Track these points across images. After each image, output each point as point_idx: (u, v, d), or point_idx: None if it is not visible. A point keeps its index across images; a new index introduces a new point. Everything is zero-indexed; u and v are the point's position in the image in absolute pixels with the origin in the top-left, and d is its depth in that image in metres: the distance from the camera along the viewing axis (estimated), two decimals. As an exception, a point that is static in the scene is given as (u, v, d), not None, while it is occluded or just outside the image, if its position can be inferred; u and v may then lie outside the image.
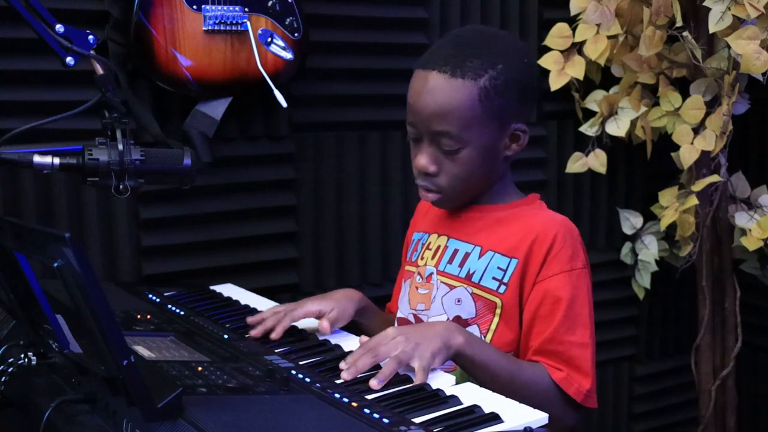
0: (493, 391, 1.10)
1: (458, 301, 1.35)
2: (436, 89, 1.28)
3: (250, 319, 1.35)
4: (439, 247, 1.41)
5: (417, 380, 1.08)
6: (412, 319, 1.41)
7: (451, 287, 1.36)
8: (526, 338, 1.30)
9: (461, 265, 1.36)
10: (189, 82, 1.64)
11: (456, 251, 1.38)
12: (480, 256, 1.35)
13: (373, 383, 1.06)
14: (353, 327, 1.42)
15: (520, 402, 1.03)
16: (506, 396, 1.04)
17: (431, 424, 0.95)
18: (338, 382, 1.09)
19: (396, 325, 1.44)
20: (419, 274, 1.42)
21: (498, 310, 1.32)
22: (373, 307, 1.48)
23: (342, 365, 1.12)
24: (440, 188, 1.34)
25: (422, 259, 1.43)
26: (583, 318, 1.29)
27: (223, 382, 1.04)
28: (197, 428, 0.88)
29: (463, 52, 1.29)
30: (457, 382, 1.12)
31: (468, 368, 1.21)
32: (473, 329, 1.33)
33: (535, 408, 1.02)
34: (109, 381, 0.91)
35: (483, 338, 1.32)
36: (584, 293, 1.31)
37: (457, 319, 1.34)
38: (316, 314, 1.35)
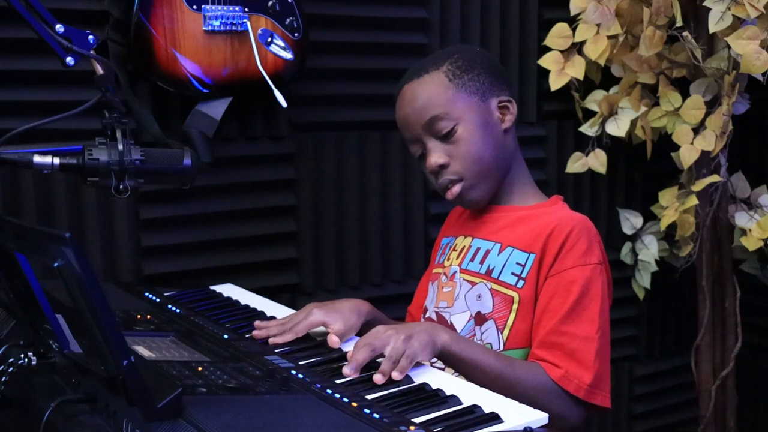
0: (487, 388, 1.10)
1: (479, 297, 1.37)
2: (413, 92, 1.41)
3: (257, 323, 1.33)
4: (464, 247, 1.45)
5: (395, 370, 1.09)
6: (434, 317, 1.44)
7: (473, 284, 1.38)
8: (534, 331, 1.31)
9: (482, 262, 1.39)
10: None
11: (478, 249, 1.41)
12: (500, 252, 1.37)
13: (346, 371, 1.10)
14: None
15: (516, 399, 1.02)
16: (499, 393, 1.04)
17: (431, 424, 0.95)
18: (338, 382, 1.09)
19: None
20: (444, 274, 1.45)
21: (515, 305, 1.33)
22: (384, 319, 1.44)
23: (345, 368, 1.12)
24: (459, 174, 1.39)
25: (448, 260, 1.47)
26: (591, 313, 1.29)
27: (223, 382, 1.04)
28: (197, 428, 0.88)
29: (419, 63, 1.45)
30: None
31: (456, 365, 1.22)
32: (490, 324, 1.34)
33: (532, 405, 1.00)
34: (109, 381, 0.91)
35: (500, 334, 1.33)
36: (597, 289, 1.31)
37: (478, 315, 1.36)
38: (320, 326, 1.33)
